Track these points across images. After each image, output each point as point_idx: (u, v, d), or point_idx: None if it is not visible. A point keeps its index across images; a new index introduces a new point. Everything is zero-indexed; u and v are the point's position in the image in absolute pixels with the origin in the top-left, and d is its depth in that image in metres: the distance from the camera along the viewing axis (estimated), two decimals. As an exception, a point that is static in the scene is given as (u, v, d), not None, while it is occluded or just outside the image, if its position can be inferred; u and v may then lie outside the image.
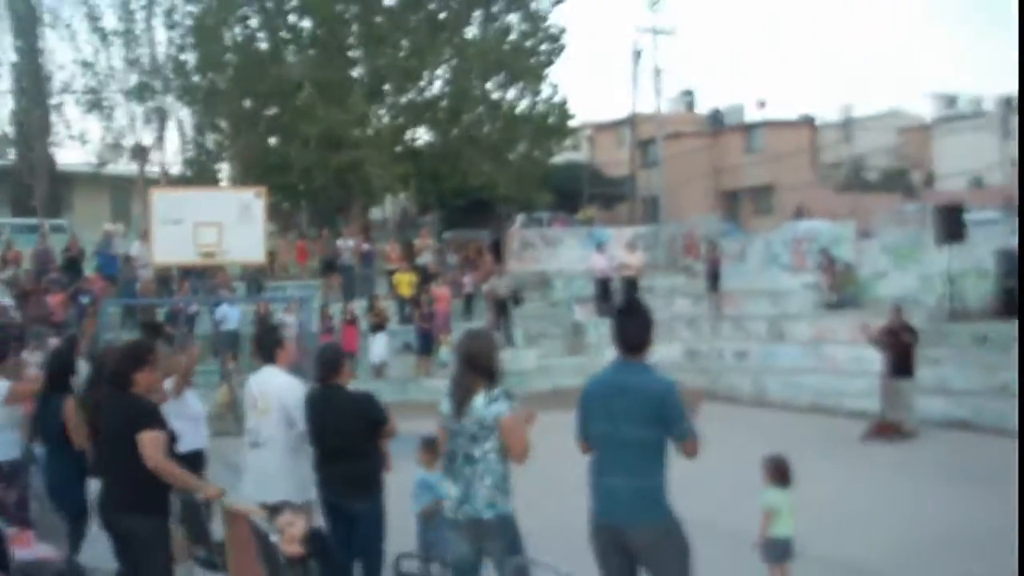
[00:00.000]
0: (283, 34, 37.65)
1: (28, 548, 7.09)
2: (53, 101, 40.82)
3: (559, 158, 45.21)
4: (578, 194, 48.34)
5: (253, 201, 19.78)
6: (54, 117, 41.06)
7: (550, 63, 39.81)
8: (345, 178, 36.35)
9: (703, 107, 62.38)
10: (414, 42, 36.77)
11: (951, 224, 21.76)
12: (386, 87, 38.05)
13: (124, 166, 42.51)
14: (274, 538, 6.06)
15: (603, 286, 27.85)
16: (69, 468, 8.60)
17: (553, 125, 39.87)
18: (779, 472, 7.73)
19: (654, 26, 45.54)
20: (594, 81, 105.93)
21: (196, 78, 38.13)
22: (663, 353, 25.90)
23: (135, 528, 6.69)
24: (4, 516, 8.04)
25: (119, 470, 6.74)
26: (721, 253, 28.30)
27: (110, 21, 39.40)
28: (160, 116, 40.08)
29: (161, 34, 39.25)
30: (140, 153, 40.82)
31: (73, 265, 26.51)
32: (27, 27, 40.73)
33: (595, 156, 58.72)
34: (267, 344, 8.12)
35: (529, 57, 39.06)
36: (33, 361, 15.85)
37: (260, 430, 7.81)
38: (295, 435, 7.70)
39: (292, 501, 7.34)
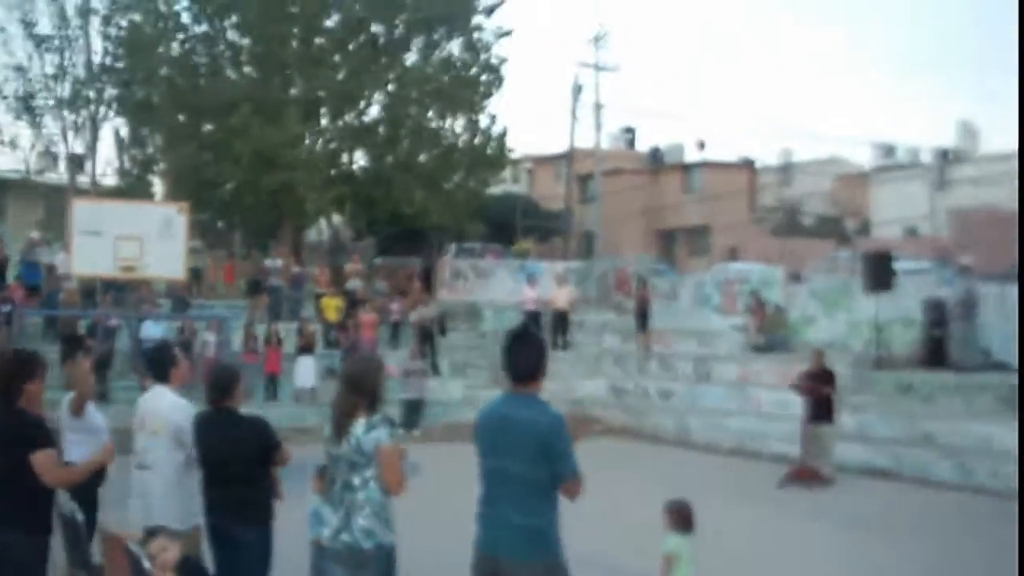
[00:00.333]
0: (222, 49, 37.21)
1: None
2: (-17, 106, 40.07)
3: (497, 189, 45.07)
4: (514, 226, 48.21)
5: (175, 217, 19.48)
6: (-15, 122, 40.47)
7: (490, 94, 39.60)
8: (277, 199, 35.91)
9: (644, 145, 62.51)
10: (353, 66, 36.48)
11: (880, 272, 21.84)
12: (323, 110, 37.71)
13: (59, 175, 41.88)
14: (146, 564, 5.75)
15: (533, 319, 27.66)
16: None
17: (490, 156, 39.63)
18: (681, 517, 7.46)
19: (596, 62, 45.66)
20: (537, 114, 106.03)
21: (130, 89, 37.56)
22: (589, 388, 25.92)
23: (13, 545, 6.33)
24: None
25: (1, 484, 6.37)
26: (651, 291, 28.20)
27: (45, 27, 38.76)
28: (93, 126, 39.44)
29: (97, 43, 38.73)
30: (73, 162, 40.18)
31: (-2, 273, 25.82)
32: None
33: (534, 189, 58.64)
34: (160, 363, 7.76)
35: (468, 87, 38.81)
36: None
37: (148, 452, 7.45)
38: (183, 458, 7.35)
39: (173, 526, 7.02)
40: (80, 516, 6.92)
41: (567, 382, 25.54)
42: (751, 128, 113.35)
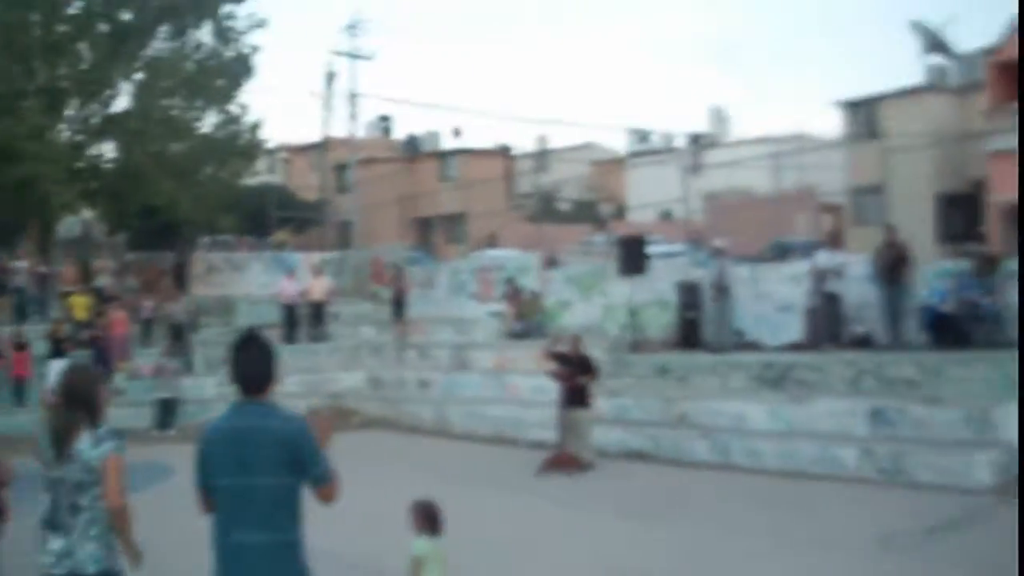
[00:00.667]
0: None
1: None
2: None
3: (253, 180, 43.91)
4: (270, 217, 47.17)
5: None
6: None
7: (239, 84, 38.40)
8: (20, 194, 33.94)
9: (400, 133, 62.27)
10: (98, 54, 34.76)
11: (634, 256, 21.97)
12: (69, 100, 35.84)
13: None
14: None
15: (290, 312, 27.07)
16: None
17: (242, 147, 38.43)
18: (428, 519, 6.98)
19: (352, 50, 45.02)
20: (293, 103, 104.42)
21: None
22: (347, 380, 25.41)
23: None
24: None
25: None
26: (408, 280, 27.87)
27: None
28: None
29: None
30: None
31: None
32: None
33: (290, 179, 57.56)
34: None
35: (220, 76, 37.52)
36: None
37: None
38: None
39: None
40: None
41: (325, 374, 25.33)
42: (507, 116, 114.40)
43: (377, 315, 28.88)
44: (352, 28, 45.03)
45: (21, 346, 23.75)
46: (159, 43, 37.33)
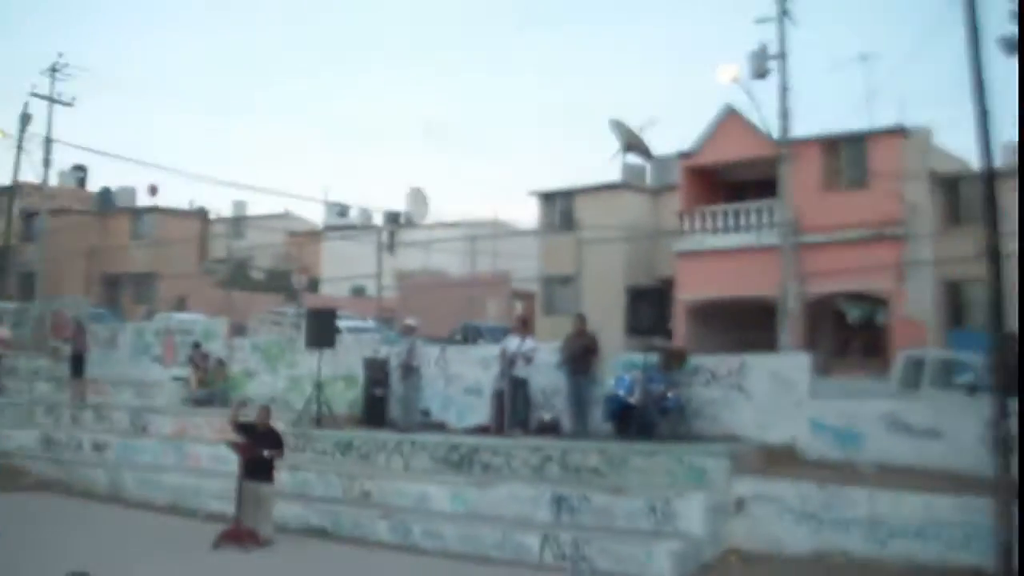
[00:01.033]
0: None
1: None
2: None
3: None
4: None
5: None
6: None
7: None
8: None
9: (95, 185, 60.12)
10: None
11: (323, 329, 21.79)
12: None
13: None
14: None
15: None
16: None
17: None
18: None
19: (51, 93, 43.20)
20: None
21: None
22: (19, 439, 24.08)
23: None
24: None
25: None
26: (89, 337, 26.76)
27: None
28: None
29: None
30: None
31: None
32: None
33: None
34: None
35: None
36: None
37: None
38: None
39: None
40: None
41: (-4, 432, 23.76)
42: (206, 178, 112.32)
43: (55, 371, 27.67)
44: (54, 71, 43.26)
45: None
46: None
